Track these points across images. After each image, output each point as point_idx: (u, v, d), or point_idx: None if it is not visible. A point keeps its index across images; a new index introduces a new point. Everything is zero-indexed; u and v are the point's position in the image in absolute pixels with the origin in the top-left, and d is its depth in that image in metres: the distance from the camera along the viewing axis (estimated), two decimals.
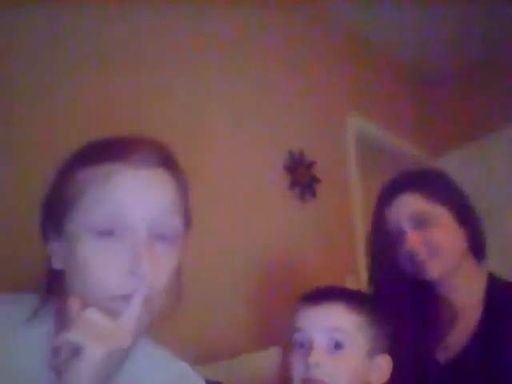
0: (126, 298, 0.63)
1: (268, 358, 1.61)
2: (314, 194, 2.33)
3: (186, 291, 1.61)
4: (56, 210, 0.68)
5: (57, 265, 0.69)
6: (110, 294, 0.63)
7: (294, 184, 2.26)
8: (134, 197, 0.65)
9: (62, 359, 0.58)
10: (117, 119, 1.55)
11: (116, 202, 0.64)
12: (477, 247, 1.15)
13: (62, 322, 0.68)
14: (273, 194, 2.16)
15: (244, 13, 2.17)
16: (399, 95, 3.19)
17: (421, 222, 1.10)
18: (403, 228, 1.12)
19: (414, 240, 1.09)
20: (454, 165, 3.07)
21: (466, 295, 1.12)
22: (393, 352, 0.99)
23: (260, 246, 1.99)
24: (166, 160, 0.71)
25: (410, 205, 1.11)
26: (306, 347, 0.97)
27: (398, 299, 1.12)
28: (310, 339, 0.97)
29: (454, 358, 1.08)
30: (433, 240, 1.09)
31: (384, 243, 1.15)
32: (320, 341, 0.96)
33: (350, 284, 2.23)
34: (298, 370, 0.97)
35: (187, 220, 0.75)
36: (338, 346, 0.96)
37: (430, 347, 1.11)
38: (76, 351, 0.57)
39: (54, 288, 0.71)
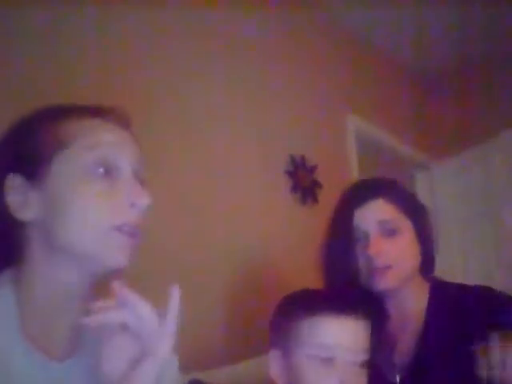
0: (121, 228, 0.69)
1: (267, 363, 1.61)
2: (315, 198, 2.33)
3: (183, 294, 1.63)
4: (32, 160, 0.71)
5: (28, 215, 0.70)
6: (107, 224, 0.69)
7: (295, 188, 2.26)
8: (118, 144, 0.74)
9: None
10: None
11: (107, 148, 0.72)
12: (427, 265, 1.17)
13: (27, 288, 0.70)
14: (274, 199, 2.16)
15: (244, 14, 2.17)
16: (399, 97, 3.19)
17: (387, 230, 1.11)
18: (369, 232, 1.12)
19: (377, 245, 1.10)
20: (454, 166, 3.07)
21: (411, 305, 1.14)
22: None
23: (261, 250, 1.99)
24: (130, 123, 0.79)
25: (381, 211, 1.12)
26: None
27: None
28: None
29: (407, 366, 1.10)
30: (395, 249, 1.10)
31: (345, 243, 1.14)
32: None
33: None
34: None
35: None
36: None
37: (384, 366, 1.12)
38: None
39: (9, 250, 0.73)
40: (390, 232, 1.10)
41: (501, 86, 3.03)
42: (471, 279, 2.70)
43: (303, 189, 2.29)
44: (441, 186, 3.13)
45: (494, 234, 2.78)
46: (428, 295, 1.15)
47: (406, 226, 1.13)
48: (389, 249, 1.09)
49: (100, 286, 0.78)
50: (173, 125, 1.79)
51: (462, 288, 1.15)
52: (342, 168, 2.60)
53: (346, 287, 1.12)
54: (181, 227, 1.71)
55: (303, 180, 2.29)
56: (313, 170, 2.34)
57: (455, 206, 3.03)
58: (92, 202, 0.69)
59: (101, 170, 0.70)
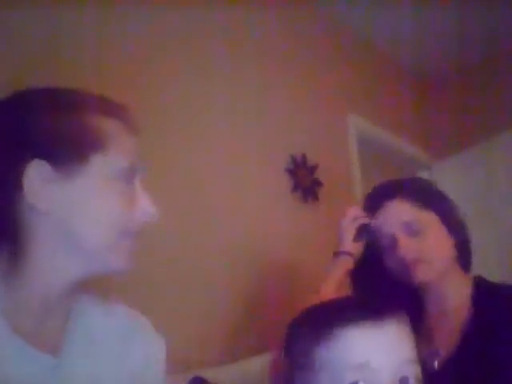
0: (128, 234, 0.72)
1: (267, 362, 1.61)
2: (316, 197, 2.33)
3: (186, 293, 1.64)
4: (69, 154, 0.69)
5: (45, 206, 0.68)
6: (121, 227, 0.71)
7: (296, 187, 2.26)
8: (135, 152, 0.76)
9: None
10: None
11: (134, 154, 0.75)
12: (463, 256, 1.16)
13: (23, 282, 0.69)
14: (275, 198, 2.16)
15: (244, 14, 2.17)
16: (400, 96, 3.19)
17: (412, 230, 1.11)
18: (394, 234, 1.12)
19: (406, 246, 1.10)
20: (455, 166, 3.07)
21: (452, 300, 1.13)
22: None
23: (262, 250, 1.99)
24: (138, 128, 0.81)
25: (400, 212, 1.13)
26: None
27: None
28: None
29: (447, 360, 1.09)
30: (424, 248, 1.10)
31: (373, 247, 1.17)
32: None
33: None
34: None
35: None
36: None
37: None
38: None
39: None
40: (416, 231, 1.11)
41: (501, 85, 3.03)
42: None
43: (304, 188, 2.29)
44: (442, 185, 3.12)
45: (495, 233, 2.78)
46: (471, 291, 1.13)
47: (431, 220, 1.13)
48: (417, 247, 1.10)
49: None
50: (173, 124, 1.79)
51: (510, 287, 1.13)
52: (343, 167, 2.60)
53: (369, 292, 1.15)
54: (181, 226, 1.70)
55: (304, 179, 2.29)
56: (313, 169, 2.34)
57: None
58: (114, 204, 0.71)
59: (127, 175, 0.73)
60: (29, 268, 0.69)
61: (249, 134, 2.10)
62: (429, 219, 1.12)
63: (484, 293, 1.12)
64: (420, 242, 1.10)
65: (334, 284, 1.19)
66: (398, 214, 1.13)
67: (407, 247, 1.10)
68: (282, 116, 2.28)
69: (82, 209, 0.70)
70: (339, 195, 2.47)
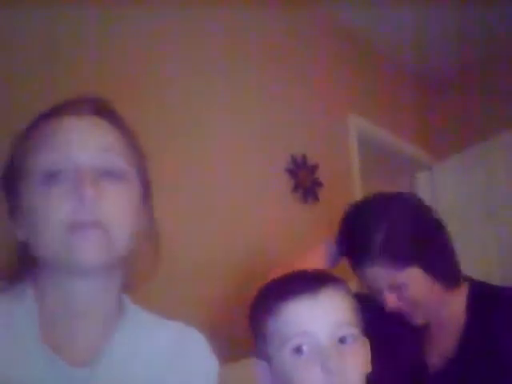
0: (73, 227, 0.65)
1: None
2: (316, 197, 2.33)
3: (186, 292, 1.64)
4: (10, 179, 0.71)
5: (21, 236, 0.70)
6: (58, 228, 0.65)
7: (296, 187, 2.26)
8: (71, 140, 0.69)
9: None
10: None
11: (57, 147, 0.68)
12: (452, 281, 1.15)
13: (43, 296, 0.70)
14: (275, 198, 2.16)
15: (244, 14, 2.17)
16: (401, 96, 3.19)
17: (395, 287, 1.11)
18: (381, 291, 1.13)
19: (392, 301, 1.11)
20: (455, 167, 3.07)
21: (449, 312, 1.14)
22: (389, 365, 0.99)
23: (262, 249, 1.99)
24: (101, 110, 0.74)
25: (380, 278, 1.11)
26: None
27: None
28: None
29: (445, 365, 1.10)
30: (410, 298, 1.10)
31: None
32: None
33: (353, 288, 2.22)
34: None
35: (143, 179, 0.79)
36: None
37: (421, 357, 1.15)
38: None
39: (26, 263, 0.72)
40: (399, 288, 1.10)
41: (501, 86, 3.02)
42: None
43: (304, 188, 2.29)
44: (442, 185, 3.13)
45: (495, 233, 2.78)
46: (466, 295, 1.14)
47: (413, 274, 1.10)
48: (405, 300, 1.11)
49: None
50: (173, 124, 1.79)
51: (506, 290, 1.15)
52: (343, 167, 2.60)
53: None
54: (180, 226, 1.70)
55: (304, 179, 2.29)
56: (314, 169, 2.33)
57: (457, 206, 3.03)
58: (45, 210, 0.66)
59: (51, 170, 0.67)
60: (44, 284, 0.71)
61: (249, 134, 2.10)
62: (410, 274, 1.09)
63: (479, 297, 1.12)
64: (405, 295, 1.10)
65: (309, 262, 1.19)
66: (379, 280, 1.11)
67: (395, 303, 1.11)
68: (282, 116, 2.28)
69: (29, 223, 0.68)
70: (339, 195, 2.47)
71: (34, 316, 0.68)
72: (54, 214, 0.65)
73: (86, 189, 0.64)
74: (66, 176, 0.66)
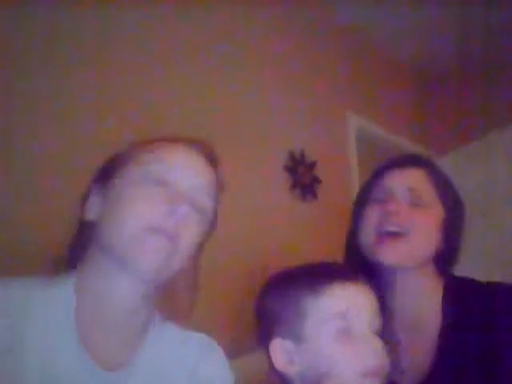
0: (155, 230, 0.70)
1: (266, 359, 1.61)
2: (314, 194, 2.33)
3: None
4: (108, 170, 0.79)
5: (90, 215, 0.76)
6: (142, 225, 0.70)
7: (294, 184, 2.26)
8: (181, 162, 0.77)
9: None
10: (115, 117, 1.56)
11: (166, 163, 0.76)
12: (446, 256, 1.01)
13: (83, 296, 0.73)
14: (274, 195, 2.16)
15: (243, 13, 2.17)
16: (399, 95, 3.19)
17: (414, 199, 0.96)
18: (394, 191, 0.97)
19: (399, 205, 0.95)
20: (454, 164, 3.07)
21: (425, 302, 0.96)
22: None
23: (261, 247, 1.98)
24: (212, 156, 0.83)
25: (413, 179, 0.98)
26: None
27: None
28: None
29: (424, 379, 0.93)
30: (415, 218, 0.94)
31: (364, 210, 1.00)
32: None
33: None
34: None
35: (214, 217, 0.85)
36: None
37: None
38: None
39: (76, 255, 0.77)
40: (417, 201, 0.95)
41: (500, 83, 3.02)
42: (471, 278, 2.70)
43: (303, 185, 2.29)
44: None
45: (495, 231, 2.78)
46: (442, 291, 0.97)
47: (435, 207, 0.98)
48: (409, 214, 0.94)
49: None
50: (172, 123, 1.78)
51: (486, 286, 0.97)
52: (342, 164, 2.60)
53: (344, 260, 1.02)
54: None
55: (303, 176, 2.28)
56: (312, 166, 2.33)
57: None
58: (131, 204, 0.72)
59: (152, 180, 0.73)
60: (85, 285, 0.74)
61: (248, 131, 2.09)
62: (436, 207, 0.97)
63: (455, 292, 0.96)
64: (414, 212, 0.95)
65: None
66: (408, 179, 0.98)
67: (399, 206, 0.94)
68: (281, 113, 2.27)
69: (110, 212, 0.73)
70: (338, 192, 2.47)
71: (71, 310, 0.72)
72: (144, 212, 0.71)
73: (182, 205, 0.71)
74: (167, 190, 0.73)
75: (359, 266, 0.97)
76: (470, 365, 0.89)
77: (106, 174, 0.78)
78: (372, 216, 0.98)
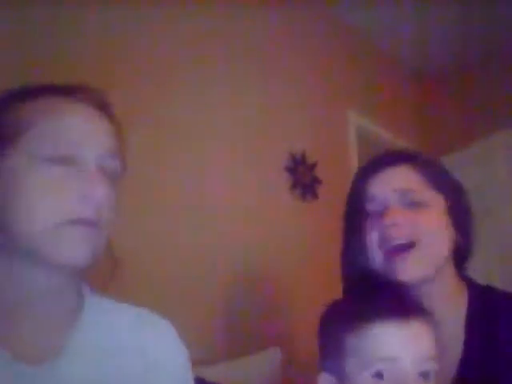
0: (74, 223, 0.63)
1: (267, 359, 1.61)
2: (315, 194, 2.33)
3: (187, 291, 1.63)
4: None
5: None
6: (58, 219, 0.63)
7: (295, 185, 2.26)
8: (83, 130, 0.67)
9: None
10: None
11: (67, 133, 0.65)
12: (462, 254, 0.92)
13: None
14: (274, 195, 2.16)
15: (245, 12, 2.16)
16: (400, 95, 3.19)
17: (410, 202, 0.87)
18: (387, 201, 0.88)
19: (396, 215, 0.85)
20: (455, 164, 3.07)
21: (445, 311, 0.87)
22: None
23: (261, 247, 1.98)
24: (106, 105, 0.72)
25: (400, 178, 0.89)
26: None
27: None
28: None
29: None
30: (419, 222, 0.85)
31: (359, 225, 0.90)
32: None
33: None
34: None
35: (122, 166, 0.75)
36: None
37: None
38: None
39: None
40: (414, 204, 0.86)
41: (500, 84, 3.02)
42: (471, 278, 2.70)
43: (303, 185, 2.28)
44: None
45: (495, 232, 2.78)
46: (467, 298, 0.89)
47: (435, 199, 0.88)
48: (411, 221, 0.85)
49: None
50: (172, 123, 1.78)
51: (509, 296, 0.89)
52: (343, 164, 2.60)
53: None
54: (179, 225, 1.70)
55: (303, 177, 2.28)
56: (313, 166, 2.33)
57: None
58: (40, 193, 0.63)
59: (57, 156, 0.64)
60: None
61: (248, 132, 2.09)
62: (434, 198, 0.88)
63: (482, 303, 0.89)
64: (415, 216, 0.85)
65: None
66: (397, 181, 0.89)
67: (398, 216, 0.85)
68: (281, 113, 2.27)
69: (9, 200, 0.64)
70: (338, 193, 2.46)
71: None
72: (56, 204, 0.63)
73: (97, 189, 0.64)
74: (76, 170, 0.65)
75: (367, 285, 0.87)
76: (493, 380, 0.82)
77: None
78: (371, 234, 0.88)
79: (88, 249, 0.64)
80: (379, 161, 0.94)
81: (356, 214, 0.92)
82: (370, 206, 0.90)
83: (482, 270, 2.84)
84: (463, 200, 0.93)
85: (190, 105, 1.86)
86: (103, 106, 0.71)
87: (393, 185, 0.88)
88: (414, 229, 0.85)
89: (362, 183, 0.92)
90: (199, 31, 1.95)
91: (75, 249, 0.63)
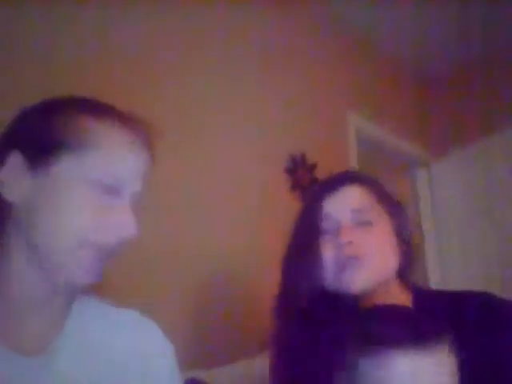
0: (96, 246, 0.67)
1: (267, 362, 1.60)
2: None
3: (185, 293, 1.63)
4: (39, 146, 0.68)
5: (14, 196, 0.67)
6: (85, 237, 0.66)
7: (295, 186, 2.25)
8: (133, 169, 0.72)
9: None
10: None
11: (121, 167, 0.70)
12: (405, 266, 1.00)
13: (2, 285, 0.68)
14: (274, 197, 2.16)
15: (245, 12, 2.17)
16: (400, 96, 3.19)
17: (362, 221, 0.95)
18: (341, 220, 0.96)
19: (350, 233, 0.93)
20: (455, 165, 3.07)
21: None
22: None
23: (260, 249, 1.98)
24: (150, 140, 0.77)
25: (353, 198, 0.97)
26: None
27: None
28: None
29: None
30: (370, 239, 0.94)
31: (314, 242, 0.96)
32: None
33: None
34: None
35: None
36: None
37: None
38: None
39: None
40: (366, 223, 0.95)
41: (500, 84, 3.02)
42: (472, 278, 2.70)
43: (303, 187, 2.28)
44: (441, 183, 3.13)
45: (494, 232, 2.77)
46: (411, 303, 0.97)
47: (383, 218, 0.98)
48: (363, 238, 0.93)
49: None
50: (171, 122, 1.78)
51: (453, 295, 0.96)
52: (342, 166, 2.59)
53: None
54: (179, 225, 1.70)
55: (303, 178, 2.28)
56: (313, 168, 2.33)
57: (455, 204, 3.03)
58: (76, 211, 0.66)
59: (103, 185, 0.68)
60: (7, 272, 0.69)
61: (248, 133, 2.09)
62: (382, 217, 0.97)
63: (423, 306, 0.95)
64: (367, 234, 0.94)
65: None
66: (353, 200, 0.97)
67: (350, 233, 0.93)
68: (281, 115, 2.27)
69: (47, 208, 0.66)
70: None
71: None
72: (88, 225, 0.66)
73: (129, 226, 0.69)
74: (112, 199, 0.69)
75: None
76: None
77: (37, 144, 0.68)
78: (327, 251, 0.96)
79: (99, 267, 0.69)
80: (334, 181, 1.02)
81: (310, 231, 0.98)
82: (325, 225, 0.97)
83: (481, 270, 2.84)
84: (404, 218, 1.02)
85: (189, 106, 1.86)
86: (149, 142, 0.76)
87: (348, 204, 0.97)
88: (364, 246, 0.93)
89: (317, 202, 0.99)
90: (199, 31, 1.96)
91: (90, 269, 0.68)
